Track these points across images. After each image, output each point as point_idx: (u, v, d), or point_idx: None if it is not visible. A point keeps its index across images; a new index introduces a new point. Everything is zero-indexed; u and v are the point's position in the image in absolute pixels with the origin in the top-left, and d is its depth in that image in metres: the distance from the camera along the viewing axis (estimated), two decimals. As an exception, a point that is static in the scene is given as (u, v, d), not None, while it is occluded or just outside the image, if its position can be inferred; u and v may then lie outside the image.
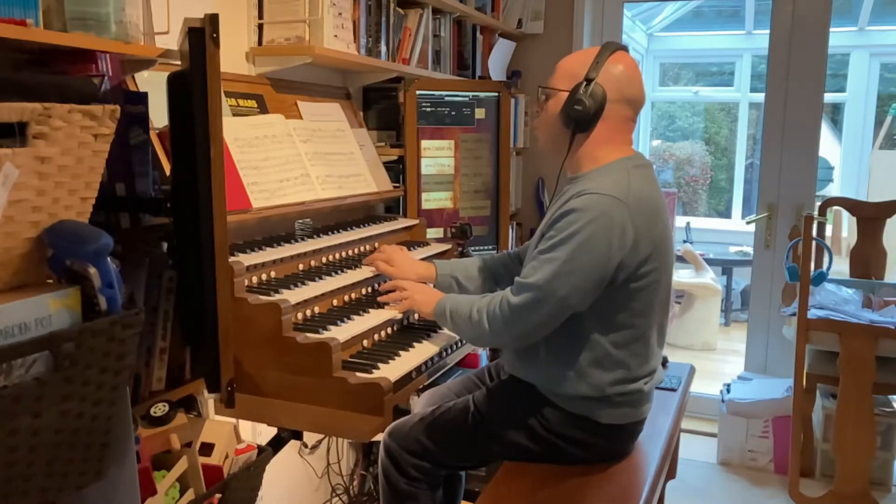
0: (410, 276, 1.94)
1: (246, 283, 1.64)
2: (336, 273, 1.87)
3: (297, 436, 1.76)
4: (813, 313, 2.84)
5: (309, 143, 2.12)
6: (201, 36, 1.29)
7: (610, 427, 1.70)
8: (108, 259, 1.08)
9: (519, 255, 2.01)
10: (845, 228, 5.51)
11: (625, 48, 1.73)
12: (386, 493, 1.83)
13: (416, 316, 1.96)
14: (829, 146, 6.50)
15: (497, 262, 2.03)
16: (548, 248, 1.59)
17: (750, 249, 4.56)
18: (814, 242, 2.90)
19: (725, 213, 7.15)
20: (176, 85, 1.41)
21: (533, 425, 1.72)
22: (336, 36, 2.18)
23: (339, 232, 2.09)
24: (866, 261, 3.21)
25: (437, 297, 1.78)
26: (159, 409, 1.51)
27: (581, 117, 1.66)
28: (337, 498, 2.73)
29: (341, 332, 1.62)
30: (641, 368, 1.69)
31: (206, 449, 1.59)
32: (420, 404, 2.00)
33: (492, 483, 1.67)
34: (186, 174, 1.37)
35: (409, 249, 2.20)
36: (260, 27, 2.14)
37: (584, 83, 1.65)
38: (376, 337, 1.79)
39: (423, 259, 2.08)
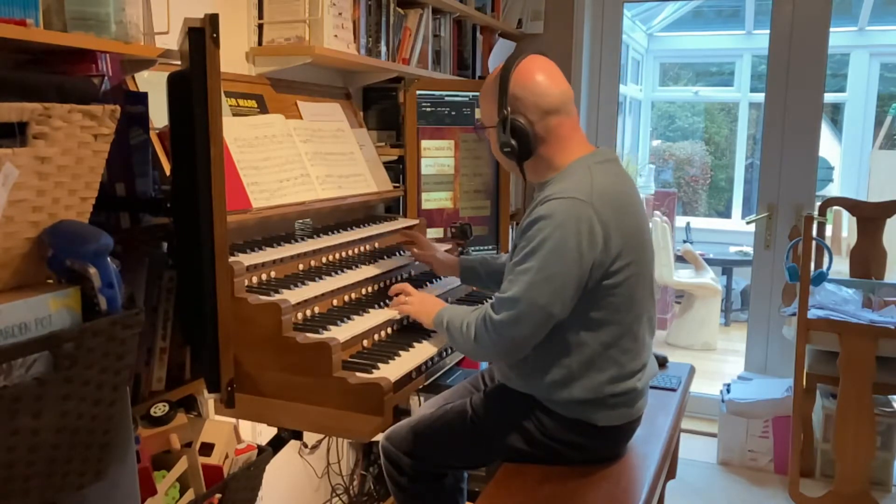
0: (438, 256, 2.07)
1: (246, 283, 1.64)
2: (336, 273, 1.87)
3: (297, 436, 1.76)
4: (813, 313, 2.84)
5: (309, 143, 2.12)
6: (201, 36, 1.29)
7: (607, 429, 1.70)
8: (108, 259, 1.08)
9: None
10: (845, 228, 5.51)
11: (522, 58, 1.67)
12: (394, 492, 1.85)
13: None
14: (829, 146, 6.51)
15: None
16: (520, 260, 1.59)
17: (750, 249, 4.56)
18: (814, 242, 2.90)
19: (725, 213, 7.16)
20: (176, 85, 1.42)
21: (530, 429, 1.72)
22: (336, 36, 2.18)
23: (339, 232, 2.09)
24: (866, 261, 3.21)
25: (437, 308, 1.79)
26: (159, 409, 1.52)
27: (516, 152, 1.66)
28: (337, 498, 2.73)
29: (341, 332, 1.62)
30: (633, 363, 1.69)
31: (206, 449, 1.59)
32: (420, 411, 2.00)
33: (492, 483, 1.67)
34: (186, 174, 1.37)
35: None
36: (260, 27, 2.14)
37: (501, 124, 1.64)
38: (376, 337, 1.79)
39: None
